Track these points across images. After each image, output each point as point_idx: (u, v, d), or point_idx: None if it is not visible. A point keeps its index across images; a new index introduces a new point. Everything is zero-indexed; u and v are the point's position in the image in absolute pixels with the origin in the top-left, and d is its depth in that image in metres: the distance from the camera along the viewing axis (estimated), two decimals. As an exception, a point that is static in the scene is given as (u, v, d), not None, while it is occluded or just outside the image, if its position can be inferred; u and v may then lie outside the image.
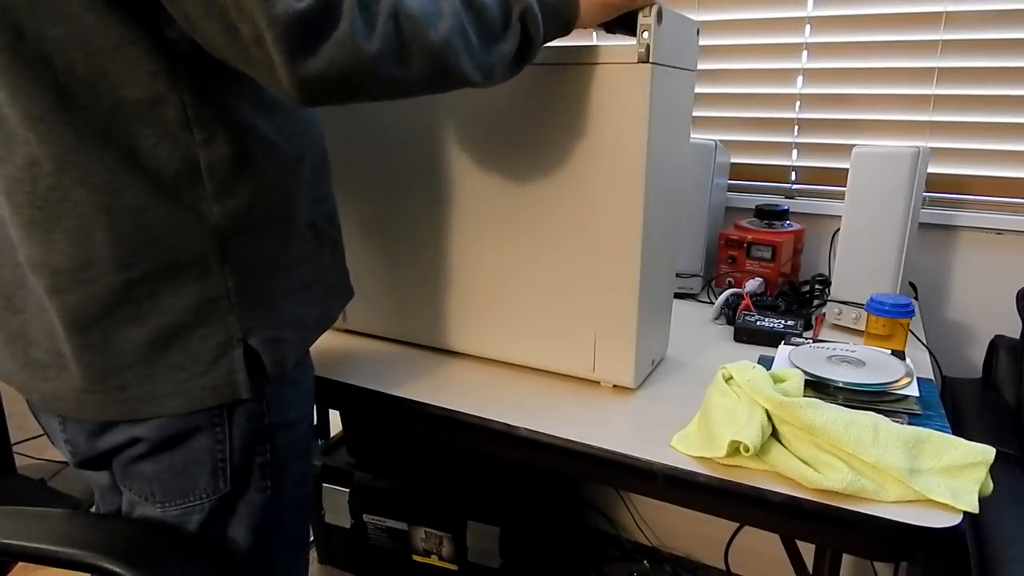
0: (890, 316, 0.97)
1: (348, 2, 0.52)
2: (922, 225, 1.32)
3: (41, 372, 0.65)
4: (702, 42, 1.43)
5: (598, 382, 0.89)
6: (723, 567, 1.64)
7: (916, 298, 1.31)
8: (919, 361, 0.97)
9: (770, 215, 1.31)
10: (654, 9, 0.71)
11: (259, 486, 0.70)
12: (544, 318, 0.88)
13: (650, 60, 0.72)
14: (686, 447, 0.73)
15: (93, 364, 0.62)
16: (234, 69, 0.56)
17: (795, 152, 1.45)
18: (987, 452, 0.67)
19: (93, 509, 0.85)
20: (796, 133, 1.43)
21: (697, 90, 1.30)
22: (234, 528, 0.70)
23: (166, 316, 0.61)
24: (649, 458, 0.72)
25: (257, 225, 0.65)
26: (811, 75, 1.40)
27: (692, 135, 1.32)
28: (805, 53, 1.39)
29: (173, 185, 0.59)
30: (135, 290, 0.60)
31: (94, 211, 0.58)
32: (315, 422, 0.80)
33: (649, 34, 0.72)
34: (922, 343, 1.06)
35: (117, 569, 0.60)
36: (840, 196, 1.39)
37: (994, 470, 0.66)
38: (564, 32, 0.70)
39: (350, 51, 0.53)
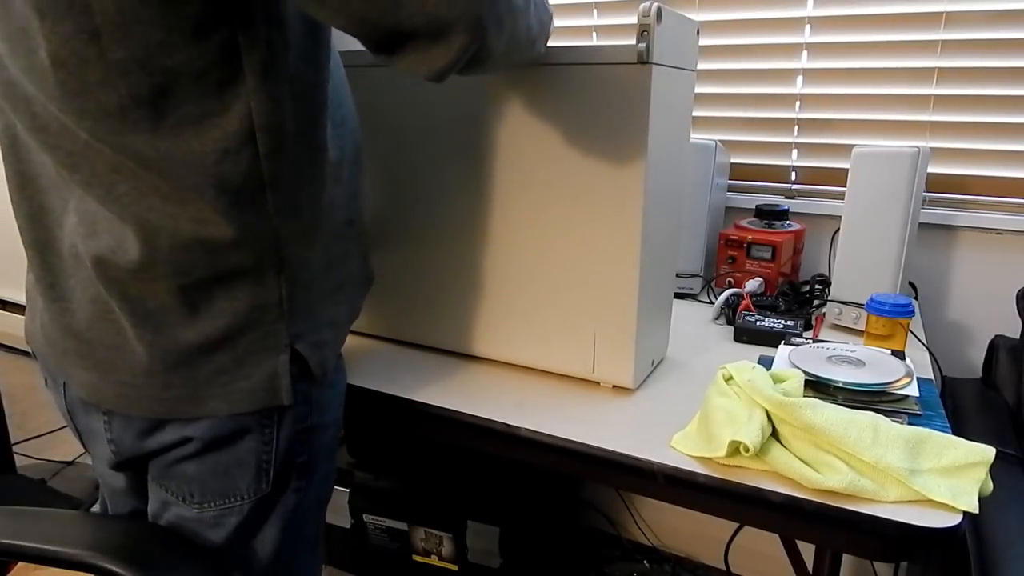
0: (890, 316, 0.97)
1: None
2: (922, 225, 1.32)
3: (81, 362, 0.65)
4: (702, 42, 1.43)
5: (598, 382, 0.89)
6: (723, 567, 1.65)
7: (916, 298, 1.31)
8: (919, 361, 0.97)
9: (770, 215, 1.31)
10: (654, 9, 0.71)
11: (295, 487, 0.71)
12: (544, 318, 0.88)
13: (650, 60, 0.72)
14: (686, 447, 0.73)
15: (140, 359, 0.62)
16: (299, 74, 0.57)
17: (795, 152, 1.45)
18: (987, 452, 0.67)
19: (94, 509, 0.85)
20: (796, 133, 1.43)
21: (697, 90, 1.31)
22: (266, 529, 0.70)
23: (218, 320, 0.62)
24: (649, 458, 0.72)
25: (309, 232, 0.65)
26: (811, 75, 1.40)
27: (692, 135, 1.32)
28: (805, 53, 1.39)
29: (236, 199, 0.58)
30: (190, 294, 0.61)
31: (159, 216, 0.58)
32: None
33: (649, 34, 0.72)
34: (922, 343, 1.06)
35: (117, 569, 0.60)
36: (840, 196, 1.39)
37: (994, 470, 0.66)
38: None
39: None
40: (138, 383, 0.63)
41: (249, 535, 0.69)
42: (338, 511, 1.45)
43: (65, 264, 0.64)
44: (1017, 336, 1.17)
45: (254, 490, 0.67)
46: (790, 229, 1.30)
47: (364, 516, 1.43)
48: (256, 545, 0.70)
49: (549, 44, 0.73)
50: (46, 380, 0.74)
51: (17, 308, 1.51)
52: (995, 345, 1.21)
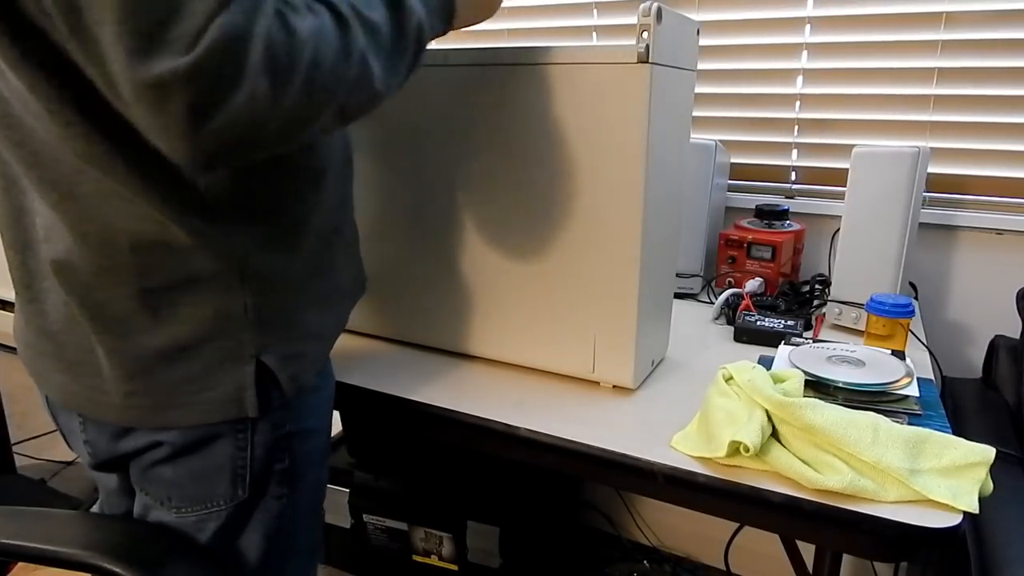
0: (890, 316, 0.97)
1: (252, 56, 0.44)
2: (922, 225, 1.32)
3: (54, 364, 0.65)
4: (702, 42, 1.43)
5: (598, 382, 0.89)
6: (723, 567, 1.64)
7: (916, 298, 1.31)
8: (919, 361, 0.97)
9: (770, 215, 1.31)
10: (654, 9, 0.71)
11: (276, 494, 0.69)
12: (544, 318, 0.88)
13: (650, 60, 0.72)
14: (686, 447, 0.73)
15: (103, 366, 0.62)
16: None
17: (795, 152, 1.45)
18: (987, 452, 0.67)
19: (94, 509, 0.85)
20: (796, 133, 1.43)
21: (697, 90, 1.31)
22: (248, 536, 0.69)
23: (183, 326, 0.61)
24: (649, 458, 0.72)
25: (278, 241, 0.64)
26: (811, 75, 1.40)
27: (692, 135, 1.32)
28: (805, 53, 1.39)
29: (183, 206, 0.58)
30: (153, 298, 0.60)
31: (123, 218, 0.57)
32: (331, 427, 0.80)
33: (649, 34, 0.72)
34: (922, 343, 1.06)
35: (117, 569, 0.60)
36: (840, 196, 1.39)
37: (994, 470, 0.66)
38: (442, 34, 0.67)
39: (252, 115, 0.46)
40: (106, 389, 0.63)
41: (230, 541, 0.69)
42: (338, 511, 1.45)
43: (40, 265, 0.64)
44: (1017, 336, 1.17)
45: (231, 496, 0.66)
46: (790, 229, 1.30)
47: (364, 516, 1.43)
48: (240, 552, 0.69)
49: (549, 44, 0.73)
50: None
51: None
52: (995, 345, 1.21)
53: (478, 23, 0.72)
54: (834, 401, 0.79)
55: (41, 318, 0.65)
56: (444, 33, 0.67)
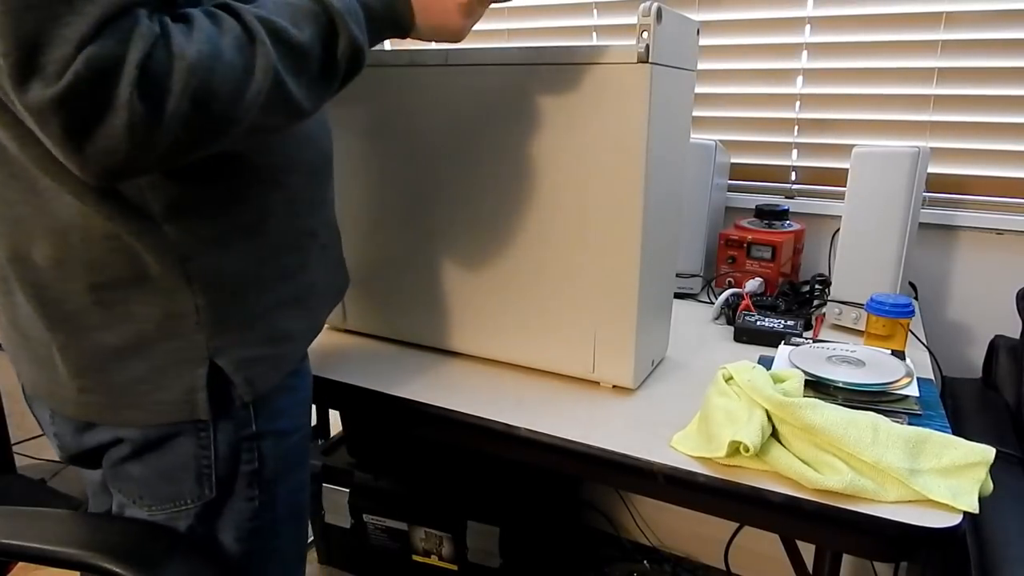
0: (890, 316, 0.97)
1: (124, 82, 0.45)
2: (922, 225, 1.32)
3: (26, 356, 0.66)
4: (702, 42, 1.43)
5: (598, 382, 0.89)
6: (723, 567, 1.64)
7: (916, 298, 1.31)
8: (919, 361, 0.97)
9: (770, 215, 1.31)
10: (654, 9, 0.71)
11: (246, 495, 0.68)
12: (544, 318, 0.88)
13: (650, 60, 0.72)
14: (686, 447, 0.73)
15: (58, 359, 0.62)
16: None
17: (795, 152, 1.45)
18: (987, 452, 0.67)
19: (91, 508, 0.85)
20: (796, 133, 1.43)
21: (697, 90, 1.31)
22: (221, 536, 0.69)
23: (132, 325, 0.61)
24: (649, 458, 0.72)
25: (232, 242, 0.63)
26: (811, 75, 1.40)
27: (692, 135, 1.32)
28: (805, 53, 1.39)
29: (121, 204, 0.57)
30: (105, 294, 0.60)
31: (72, 214, 0.57)
32: (311, 429, 0.78)
33: (649, 34, 0.72)
34: (922, 343, 1.06)
35: (117, 569, 0.60)
36: (840, 196, 1.39)
37: (994, 470, 0.66)
38: (399, 36, 0.67)
39: (133, 138, 0.46)
40: (62, 383, 0.63)
41: (202, 541, 0.68)
42: (338, 511, 1.45)
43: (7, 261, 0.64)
44: (1017, 336, 1.17)
45: (198, 495, 0.66)
46: (790, 229, 1.30)
47: (364, 516, 1.43)
48: (215, 553, 0.69)
49: (550, 44, 0.73)
50: None
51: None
52: (995, 345, 1.21)
53: (440, 43, 0.71)
54: (834, 401, 0.79)
55: (13, 311, 0.65)
56: (402, 38, 0.67)
